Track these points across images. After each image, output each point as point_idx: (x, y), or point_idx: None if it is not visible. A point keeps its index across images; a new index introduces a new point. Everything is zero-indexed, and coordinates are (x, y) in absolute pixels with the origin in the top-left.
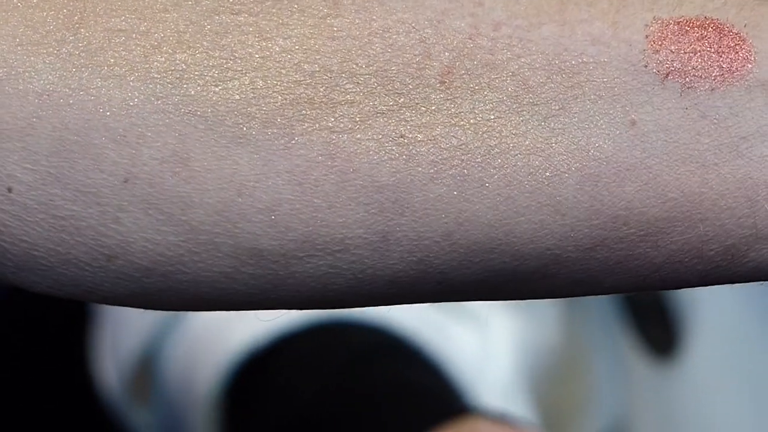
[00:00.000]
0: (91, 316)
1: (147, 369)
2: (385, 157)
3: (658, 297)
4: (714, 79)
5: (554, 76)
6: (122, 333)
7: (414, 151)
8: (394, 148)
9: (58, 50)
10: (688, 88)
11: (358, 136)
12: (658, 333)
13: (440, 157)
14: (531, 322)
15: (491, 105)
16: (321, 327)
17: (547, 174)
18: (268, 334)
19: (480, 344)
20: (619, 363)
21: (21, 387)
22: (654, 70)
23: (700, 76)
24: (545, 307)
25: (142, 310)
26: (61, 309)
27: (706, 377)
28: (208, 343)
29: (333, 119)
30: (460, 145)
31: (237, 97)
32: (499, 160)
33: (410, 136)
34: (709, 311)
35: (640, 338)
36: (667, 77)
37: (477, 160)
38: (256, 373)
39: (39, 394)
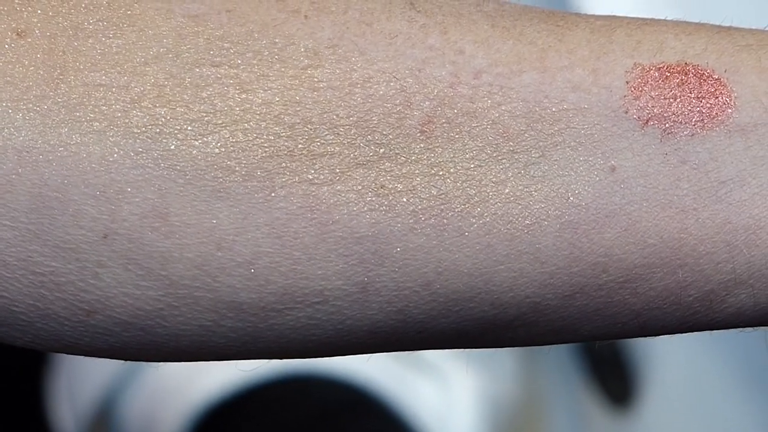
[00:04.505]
0: (47, 363)
1: (105, 418)
2: (365, 209)
3: (615, 349)
4: (694, 125)
5: (534, 124)
6: (80, 380)
7: (394, 202)
8: (373, 199)
9: (38, 106)
10: (668, 133)
11: (338, 187)
12: (615, 384)
13: (420, 207)
14: (492, 374)
15: (471, 154)
16: (285, 381)
17: (527, 222)
18: (231, 387)
19: (442, 397)
20: (577, 413)
21: None
22: (634, 116)
23: (680, 122)
24: (506, 360)
25: (92, 360)
26: (17, 355)
27: (662, 425)
28: (169, 394)
29: (313, 171)
30: (440, 194)
31: (217, 150)
32: (479, 209)
33: (390, 186)
34: (665, 362)
35: (598, 389)
36: (647, 123)
37: (457, 209)
38: (219, 426)
39: None
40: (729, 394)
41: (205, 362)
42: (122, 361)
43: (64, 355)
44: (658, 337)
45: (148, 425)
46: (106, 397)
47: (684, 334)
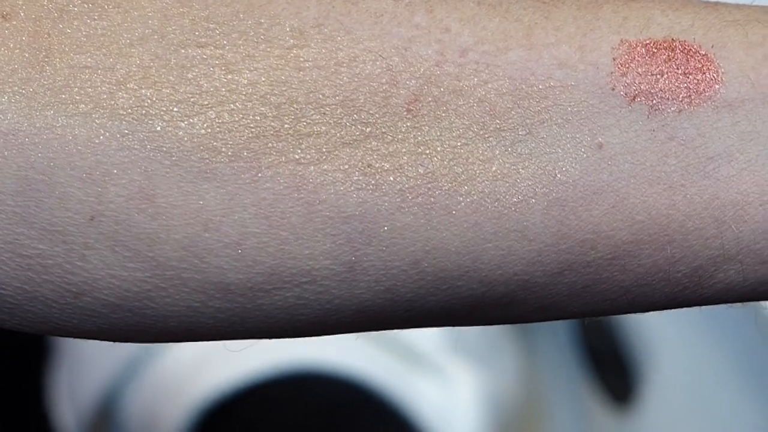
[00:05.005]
0: (48, 360)
1: (107, 416)
2: (352, 188)
3: (616, 346)
4: (681, 101)
5: (521, 101)
6: (81, 378)
7: (381, 181)
8: (360, 178)
9: (23, 89)
10: (656, 110)
11: (325, 167)
12: (617, 381)
13: (407, 185)
14: (493, 373)
15: (458, 132)
16: (287, 379)
17: (514, 200)
18: (232, 385)
19: (445, 397)
20: (578, 411)
21: None
22: (621, 93)
23: (668, 98)
24: (507, 357)
25: (101, 352)
26: (18, 352)
27: (663, 423)
28: (171, 392)
29: (299, 151)
30: (427, 173)
31: (203, 131)
32: (466, 187)
33: (377, 165)
34: (666, 359)
35: (599, 386)
36: (634, 99)
37: (444, 188)
38: (221, 424)
39: None
40: (730, 391)
41: (207, 360)
42: (123, 359)
43: (65, 352)
44: (658, 336)
45: (149, 423)
46: (108, 395)
47: (685, 331)
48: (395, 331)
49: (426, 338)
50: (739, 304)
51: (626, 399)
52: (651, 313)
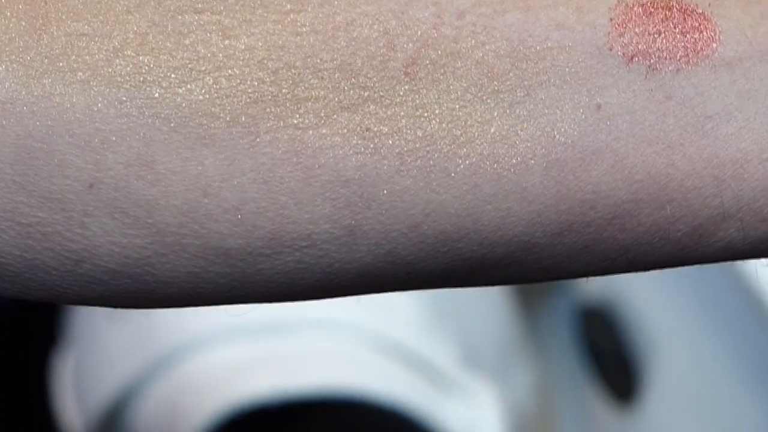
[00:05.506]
0: (54, 360)
1: (116, 419)
2: (351, 152)
3: (618, 343)
4: (679, 60)
5: (519, 63)
6: (91, 376)
7: (379, 144)
8: (359, 142)
9: (21, 57)
10: (653, 69)
11: (323, 131)
12: (619, 379)
13: (406, 149)
14: (511, 387)
15: (456, 94)
16: (309, 402)
17: (513, 161)
18: (255, 402)
19: (469, 415)
20: (584, 411)
21: None
22: (619, 53)
23: (665, 58)
24: (520, 368)
25: (109, 355)
26: (22, 352)
27: (667, 421)
28: (188, 401)
29: (298, 116)
30: (426, 136)
31: (201, 97)
32: (465, 150)
33: (375, 129)
34: (669, 356)
35: (602, 385)
36: (632, 60)
37: (443, 151)
38: None
39: None
40: (732, 388)
41: (228, 373)
42: (140, 361)
43: (73, 352)
44: (661, 335)
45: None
46: (119, 399)
47: (688, 330)
48: (411, 348)
49: (440, 352)
50: (740, 304)
51: (630, 397)
52: (654, 311)
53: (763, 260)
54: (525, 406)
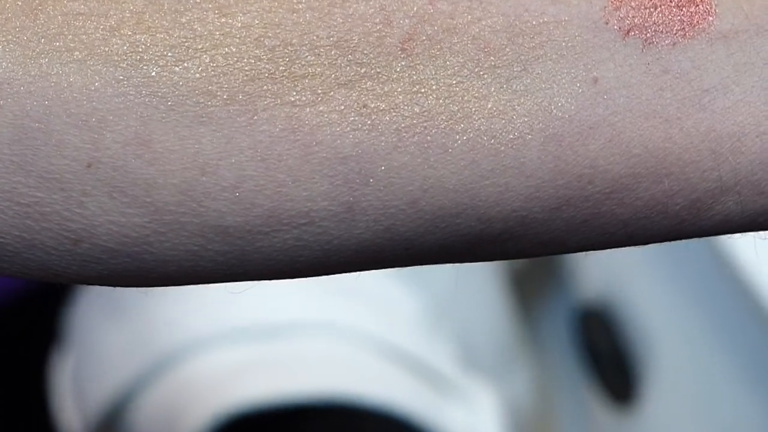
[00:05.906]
0: (53, 361)
1: (116, 421)
2: (348, 129)
3: (617, 344)
4: (675, 34)
5: (515, 38)
6: (90, 376)
7: (377, 121)
8: (356, 118)
9: (17, 37)
10: (650, 43)
11: (321, 108)
12: (618, 379)
13: (403, 125)
14: (510, 388)
15: (453, 70)
16: (307, 408)
17: (511, 136)
18: (256, 407)
19: (468, 417)
20: (583, 412)
21: None
22: (615, 27)
23: (662, 31)
24: (519, 369)
25: (108, 356)
26: (21, 353)
27: (665, 421)
28: (186, 403)
29: (295, 93)
30: (423, 112)
31: (198, 75)
32: (462, 125)
33: (372, 105)
34: (667, 356)
35: (600, 385)
36: (628, 33)
37: (440, 126)
38: None
39: None
40: (731, 389)
41: (231, 376)
42: (141, 362)
43: (72, 353)
44: (660, 335)
45: None
46: (119, 400)
47: (687, 330)
48: (410, 350)
49: (438, 355)
50: (739, 305)
51: (628, 398)
52: (652, 312)
53: (763, 261)
54: (524, 407)
